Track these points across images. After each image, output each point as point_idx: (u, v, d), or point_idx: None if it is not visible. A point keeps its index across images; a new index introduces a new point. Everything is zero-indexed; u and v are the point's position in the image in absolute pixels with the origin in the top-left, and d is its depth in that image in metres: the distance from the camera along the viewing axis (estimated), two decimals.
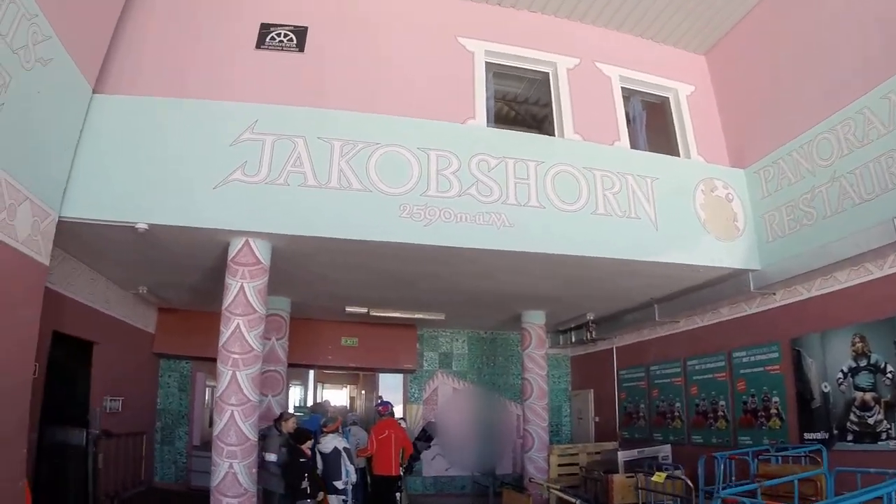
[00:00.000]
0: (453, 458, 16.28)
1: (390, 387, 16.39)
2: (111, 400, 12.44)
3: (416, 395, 16.53)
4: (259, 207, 8.43)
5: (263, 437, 9.49)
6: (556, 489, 10.18)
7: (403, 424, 12.51)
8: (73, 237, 8.87)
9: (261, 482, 9.28)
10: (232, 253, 8.75)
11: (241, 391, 8.36)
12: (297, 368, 16.11)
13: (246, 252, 8.70)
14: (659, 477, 8.68)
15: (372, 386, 17.20)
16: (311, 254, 9.42)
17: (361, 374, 21.40)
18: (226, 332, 8.56)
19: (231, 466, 8.32)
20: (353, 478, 10.55)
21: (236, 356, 8.43)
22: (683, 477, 9.67)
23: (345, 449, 10.32)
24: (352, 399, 24.62)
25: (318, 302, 13.24)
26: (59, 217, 8.04)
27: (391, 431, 11.37)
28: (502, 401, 16.98)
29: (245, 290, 8.63)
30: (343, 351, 15.62)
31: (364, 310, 13.47)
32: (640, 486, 10.41)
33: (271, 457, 9.54)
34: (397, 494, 11.62)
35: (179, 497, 13.59)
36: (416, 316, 13.92)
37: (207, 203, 8.33)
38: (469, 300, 12.68)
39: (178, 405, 15.50)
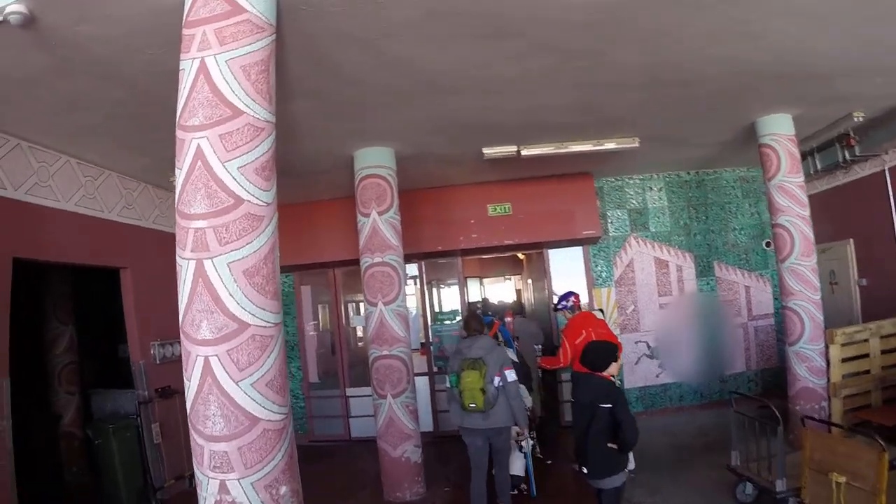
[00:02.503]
0: (666, 360, 10.93)
1: (565, 269, 11.02)
2: (162, 345, 8.35)
3: (604, 275, 11.08)
4: None
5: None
6: None
7: (600, 316, 8.39)
8: None
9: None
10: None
11: (219, 305, 3.40)
12: (436, 262, 11.34)
13: None
14: None
15: (541, 270, 11.92)
16: None
17: (525, 259, 16.09)
18: (179, 174, 3.56)
19: None
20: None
21: (201, 224, 3.43)
22: None
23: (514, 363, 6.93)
24: (518, 292, 19.38)
25: (436, 147, 8.16)
26: None
27: (590, 330, 7.62)
28: (724, 269, 11.31)
29: (209, 69, 3.52)
30: (492, 224, 10.39)
31: (511, 148, 8.20)
32: None
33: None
34: None
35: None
36: (594, 147, 8.40)
37: None
38: (678, 98, 7.17)
39: (283, 333, 10.92)
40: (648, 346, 10.70)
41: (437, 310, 11.67)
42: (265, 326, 3.48)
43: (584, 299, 10.39)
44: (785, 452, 5.92)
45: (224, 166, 3.41)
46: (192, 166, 3.44)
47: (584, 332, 7.65)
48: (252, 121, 3.53)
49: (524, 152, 8.23)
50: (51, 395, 9.15)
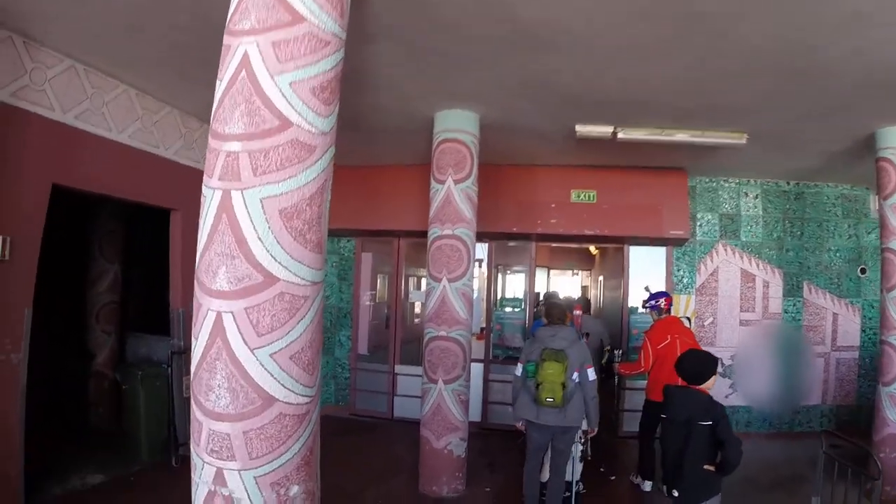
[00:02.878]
0: (739, 381, 9.88)
1: (645, 269, 9.90)
2: None
3: (685, 281, 10.04)
4: None
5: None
6: None
7: (687, 324, 8.09)
8: None
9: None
10: None
11: (242, 249, 2.67)
12: (506, 245, 10.44)
13: None
14: None
15: (615, 269, 10.97)
16: None
17: (599, 254, 15.07)
18: (219, 85, 2.84)
19: None
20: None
21: (235, 146, 2.72)
22: None
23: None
24: (584, 289, 18.20)
25: (525, 117, 7.23)
26: None
27: (676, 337, 6.95)
28: (813, 291, 10.13)
29: None
30: (574, 211, 9.42)
31: (607, 129, 7.29)
32: None
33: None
34: None
35: (334, 427, 8.76)
36: (696, 138, 7.41)
37: None
38: (802, 92, 6.15)
39: (337, 299, 10.55)
40: (722, 364, 9.70)
41: (500, 295, 10.80)
42: (299, 284, 2.72)
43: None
44: None
45: (273, 79, 2.66)
46: (235, 77, 2.71)
47: (668, 337, 6.95)
48: (315, 31, 2.77)
49: (620, 135, 7.30)
50: (87, 334, 8.67)
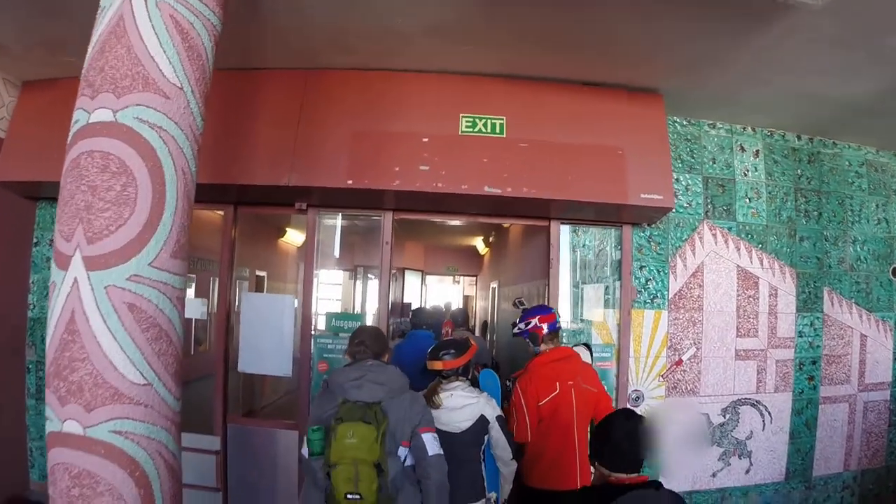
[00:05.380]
0: (746, 452, 5.97)
1: (580, 267, 5.81)
2: None
3: (652, 287, 5.82)
4: None
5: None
6: None
7: (586, 357, 4.53)
8: None
9: None
10: None
11: None
12: (367, 222, 5.98)
13: None
14: None
15: (525, 267, 6.80)
16: None
17: (490, 251, 10.54)
18: None
19: None
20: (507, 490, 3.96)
21: None
22: None
23: (498, 418, 3.64)
24: (466, 299, 13.72)
25: None
26: None
27: (570, 384, 4.00)
28: (836, 303, 6.34)
29: None
30: (465, 151, 4.90)
31: None
32: None
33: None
34: None
35: None
36: None
37: None
38: None
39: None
40: (710, 423, 5.68)
41: (331, 311, 6.07)
42: None
43: (598, 318, 5.85)
44: None
45: None
46: None
47: (556, 385, 4.01)
48: None
49: None
50: None
